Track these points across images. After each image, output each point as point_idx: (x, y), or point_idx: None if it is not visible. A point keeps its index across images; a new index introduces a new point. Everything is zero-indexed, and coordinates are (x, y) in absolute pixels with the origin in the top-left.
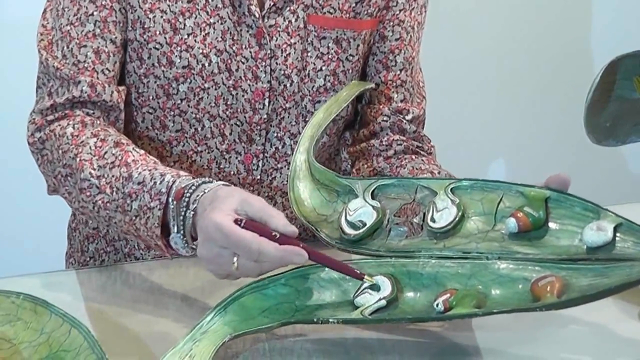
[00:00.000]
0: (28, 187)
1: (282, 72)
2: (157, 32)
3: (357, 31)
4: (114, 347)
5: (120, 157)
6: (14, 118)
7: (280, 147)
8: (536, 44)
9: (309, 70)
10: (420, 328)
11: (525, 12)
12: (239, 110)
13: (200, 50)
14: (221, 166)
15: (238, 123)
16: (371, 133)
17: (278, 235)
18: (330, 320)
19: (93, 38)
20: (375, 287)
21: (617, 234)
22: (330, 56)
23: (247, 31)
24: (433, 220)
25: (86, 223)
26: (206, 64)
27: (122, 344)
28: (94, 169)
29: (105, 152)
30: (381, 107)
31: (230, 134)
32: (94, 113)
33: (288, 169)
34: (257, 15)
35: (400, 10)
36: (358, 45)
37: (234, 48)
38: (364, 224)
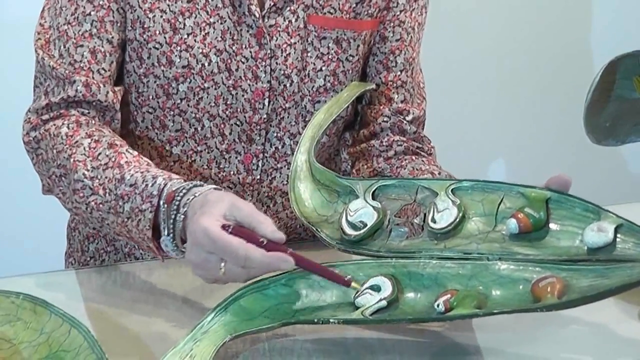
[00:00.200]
0: (28, 187)
1: (282, 72)
2: (157, 32)
3: (358, 31)
4: (113, 347)
5: (113, 159)
6: (14, 118)
7: (280, 147)
8: (536, 44)
9: (309, 71)
10: (420, 328)
11: (526, 13)
12: (238, 110)
13: (200, 50)
14: (221, 166)
15: (238, 123)
16: (371, 134)
17: (265, 242)
18: (331, 320)
19: (90, 38)
20: (375, 288)
21: (618, 235)
22: (330, 56)
23: (247, 31)
24: (434, 220)
25: (86, 223)
26: (206, 64)
27: (121, 344)
28: (88, 170)
29: (99, 154)
30: (381, 107)
31: (230, 133)
32: (89, 113)
33: (288, 169)
34: (257, 15)
35: (400, 11)
36: (358, 46)
37: (233, 48)
38: (365, 225)
